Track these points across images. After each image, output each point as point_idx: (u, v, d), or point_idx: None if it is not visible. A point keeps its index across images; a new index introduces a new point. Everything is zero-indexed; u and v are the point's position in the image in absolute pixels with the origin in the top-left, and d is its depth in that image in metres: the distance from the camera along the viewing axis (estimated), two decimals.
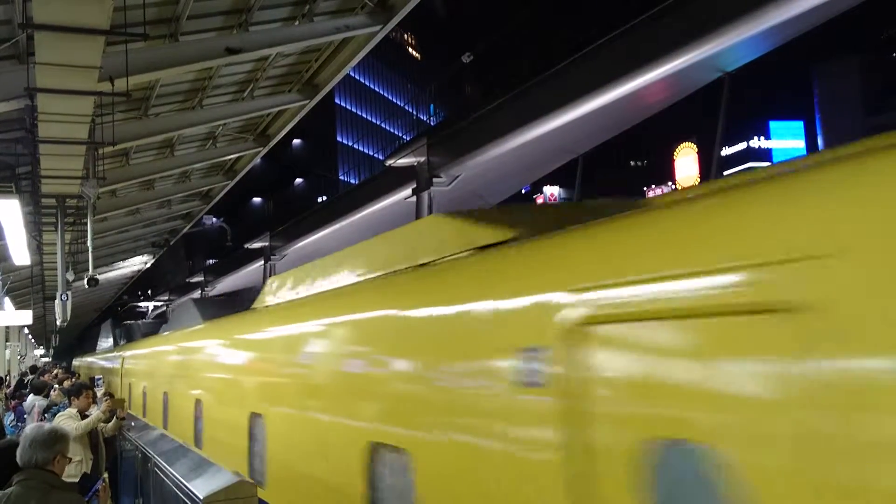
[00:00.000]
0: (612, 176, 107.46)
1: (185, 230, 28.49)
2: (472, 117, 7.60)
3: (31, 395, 14.41)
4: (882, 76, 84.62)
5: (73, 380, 15.05)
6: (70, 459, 6.32)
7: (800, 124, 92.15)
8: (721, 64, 6.29)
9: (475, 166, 7.78)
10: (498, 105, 7.19)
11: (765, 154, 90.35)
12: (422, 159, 7.92)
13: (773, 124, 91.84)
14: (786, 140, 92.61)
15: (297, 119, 17.23)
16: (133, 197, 20.93)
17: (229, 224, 43.38)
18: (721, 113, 8.24)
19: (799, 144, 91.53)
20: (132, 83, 9.90)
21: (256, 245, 16.89)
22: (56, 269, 14.77)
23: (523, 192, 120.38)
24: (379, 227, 12.08)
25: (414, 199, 8.21)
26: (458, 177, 8.14)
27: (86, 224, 14.37)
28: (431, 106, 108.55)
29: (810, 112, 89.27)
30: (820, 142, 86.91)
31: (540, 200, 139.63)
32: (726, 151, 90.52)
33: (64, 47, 7.69)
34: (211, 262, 43.14)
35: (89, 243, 14.14)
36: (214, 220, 55.80)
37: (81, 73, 8.29)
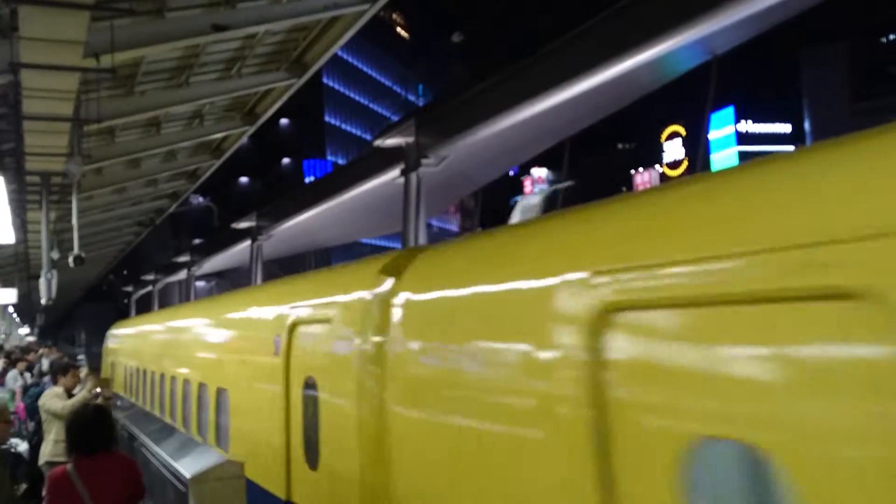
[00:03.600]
0: (600, 158, 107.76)
1: (172, 209, 28.33)
2: (461, 97, 7.56)
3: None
4: (869, 61, 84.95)
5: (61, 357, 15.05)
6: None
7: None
8: (710, 46, 6.29)
9: (464, 147, 7.74)
10: (487, 86, 7.16)
11: (752, 138, 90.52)
12: (410, 140, 7.87)
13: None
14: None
15: (284, 98, 17.12)
16: (119, 175, 20.77)
17: (216, 203, 43.18)
18: (709, 96, 8.24)
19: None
20: (118, 60, 9.80)
21: (243, 225, 16.77)
22: (41, 248, 14.67)
23: (511, 173, 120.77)
24: (368, 207, 11.99)
25: (402, 180, 8.17)
26: (445, 158, 8.10)
27: (70, 202, 14.25)
28: (420, 86, 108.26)
29: (797, 99, 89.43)
30: (807, 126, 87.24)
31: (528, 182, 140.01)
32: (713, 135, 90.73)
33: (48, 22, 7.60)
34: (197, 241, 42.96)
35: (74, 221, 14.03)
36: (201, 199, 55.56)
37: (66, 48, 8.19)
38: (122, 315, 28.05)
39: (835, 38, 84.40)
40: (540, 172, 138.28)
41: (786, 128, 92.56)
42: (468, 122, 7.26)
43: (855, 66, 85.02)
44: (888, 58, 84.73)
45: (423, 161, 7.80)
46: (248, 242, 15.51)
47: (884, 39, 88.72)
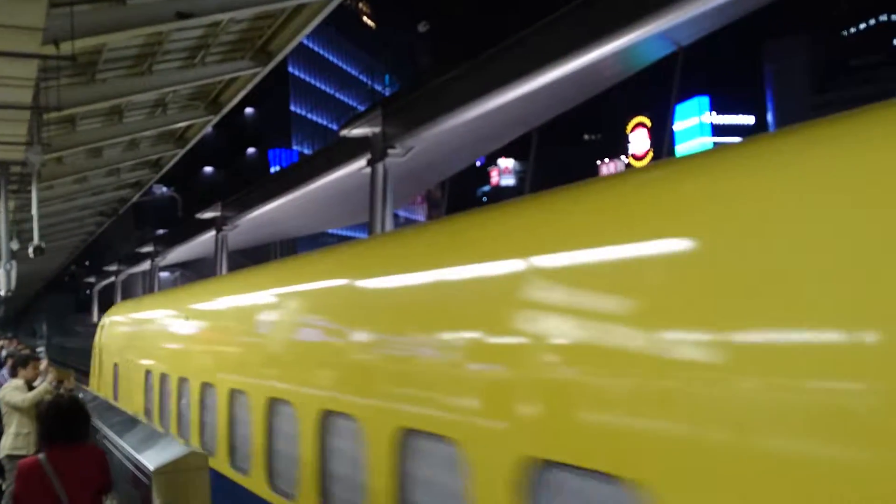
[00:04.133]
0: (567, 149, 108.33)
1: (135, 199, 27.97)
2: (428, 87, 7.55)
3: None
4: (831, 54, 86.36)
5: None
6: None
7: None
8: (676, 38, 6.34)
9: (430, 137, 7.75)
10: (454, 76, 7.16)
11: (717, 130, 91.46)
12: (377, 129, 7.85)
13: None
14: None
15: (249, 87, 16.96)
16: (80, 164, 20.43)
17: (179, 193, 42.72)
18: (674, 87, 8.31)
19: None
20: (78, 47, 9.63)
21: (208, 215, 16.63)
22: None
23: (478, 164, 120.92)
24: (335, 197, 11.96)
25: (369, 170, 8.16)
26: (412, 148, 8.10)
27: (30, 192, 14.02)
28: (386, 76, 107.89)
29: (761, 91, 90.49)
30: (770, 118, 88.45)
31: (494, 172, 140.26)
32: (678, 126, 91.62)
33: (5, 7, 7.44)
34: (160, 231, 42.49)
35: (34, 211, 13.81)
36: (164, 189, 54.89)
37: (24, 34, 8.02)
38: (82, 306, 27.60)
39: (798, 30, 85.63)
40: (507, 163, 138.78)
41: (749, 119, 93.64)
42: (435, 112, 7.26)
43: (816, 58, 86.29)
44: (849, 51, 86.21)
45: (390, 151, 7.79)
46: (212, 233, 15.34)
47: (845, 32, 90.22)
